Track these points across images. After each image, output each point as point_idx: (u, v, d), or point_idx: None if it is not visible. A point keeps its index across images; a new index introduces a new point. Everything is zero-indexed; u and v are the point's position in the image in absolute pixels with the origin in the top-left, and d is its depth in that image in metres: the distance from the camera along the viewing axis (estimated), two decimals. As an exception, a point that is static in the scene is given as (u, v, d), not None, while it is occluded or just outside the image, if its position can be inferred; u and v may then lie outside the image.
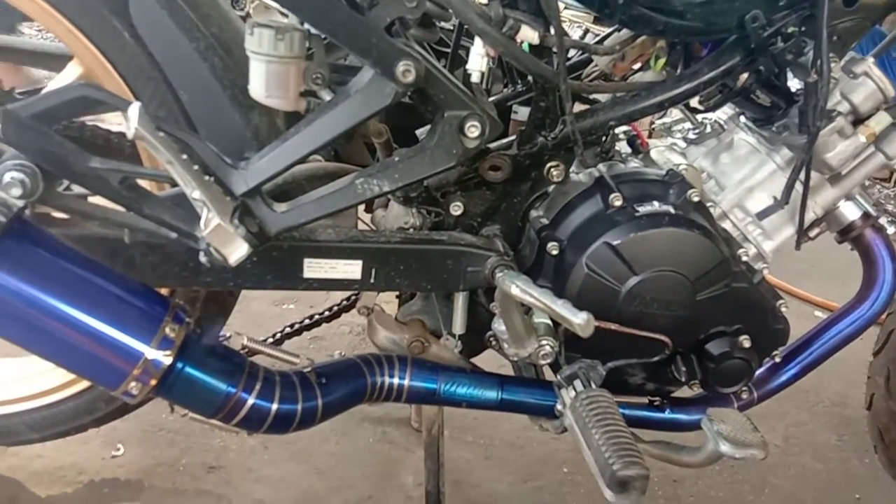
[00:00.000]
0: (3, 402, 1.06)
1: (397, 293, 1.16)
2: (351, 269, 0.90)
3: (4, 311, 0.67)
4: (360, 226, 0.99)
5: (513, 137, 0.94)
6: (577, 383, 0.89)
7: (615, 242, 0.89)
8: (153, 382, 0.73)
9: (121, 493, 1.17)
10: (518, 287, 0.75)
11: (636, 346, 0.93)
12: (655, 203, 0.92)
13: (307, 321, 1.32)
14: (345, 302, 1.32)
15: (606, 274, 0.89)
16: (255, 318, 1.64)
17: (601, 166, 0.98)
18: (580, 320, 0.70)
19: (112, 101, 0.72)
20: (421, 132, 1.04)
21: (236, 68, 0.85)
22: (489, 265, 0.90)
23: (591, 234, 0.91)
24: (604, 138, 0.97)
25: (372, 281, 0.91)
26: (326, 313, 1.32)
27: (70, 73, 0.91)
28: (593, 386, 0.89)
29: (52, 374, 1.06)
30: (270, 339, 1.30)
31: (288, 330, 1.32)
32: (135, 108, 0.68)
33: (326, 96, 0.81)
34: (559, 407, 0.92)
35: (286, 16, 0.76)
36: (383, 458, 1.33)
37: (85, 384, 1.04)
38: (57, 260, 0.70)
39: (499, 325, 0.90)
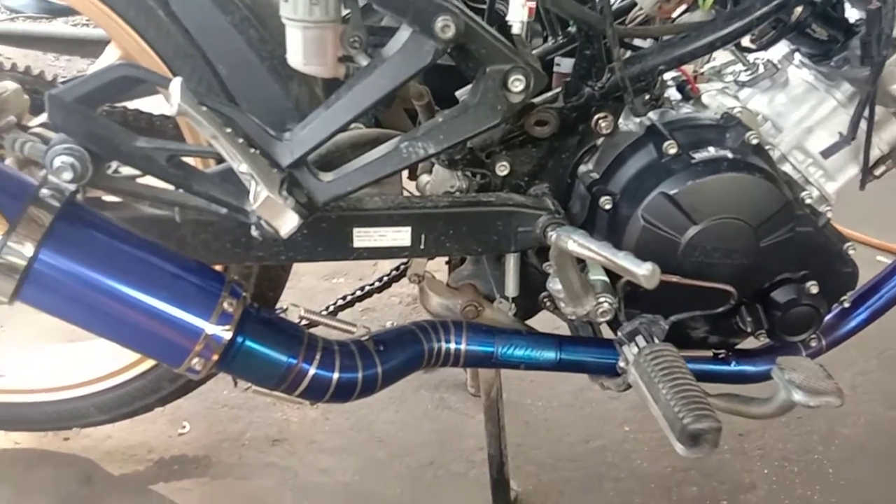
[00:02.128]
0: (72, 386, 1.09)
1: (447, 259, 1.15)
2: (400, 236, 0.89)
3: (67, 295, 0.68)
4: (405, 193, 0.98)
5: (557, 90, 0.91)
6: (640, 339, 0.87)
7: (672, 192, 0.85)
8: (215, 357, 0.74)
9: (189, 470, 1.20)
10: (576, 242, 0.73)
11: (698, 298, 0.91)
12: (712, 149, 0.88)
13: (358, 293, 1.32)
14: (394, 272, 1.31)
15: (664, 225, 0.86)
16: (306, 293, 1.65)
17: (652, 114, 0.94)
18: (645, 271, 0.67)
19: (153, 79, 0.72)
20: (461, 93, 1.01)
21: (272, 39, 0.84)
22: (540, 224, 0.88)
23: (645, 186, 0.88)
24: (653, 85, 0.93)
25: (422, 247, 0.90)
26: (377, 284, 1.32)
27: (108, 57, 0.91)
28: (656, 341, 0.87)
29: (116, 357, 1.09)
30: (324, 312, 1.30)
31: (340, 302, 1.32)
32: (176, 84, 0.68)
33: (364, 61, 0.80)
34: (621, 364, 0.90)
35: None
36: (442, 424, 1.34)
37: (149, 365, 1.07)
38: (112, 241, 0.70)
39: (554, 285, 0.88)
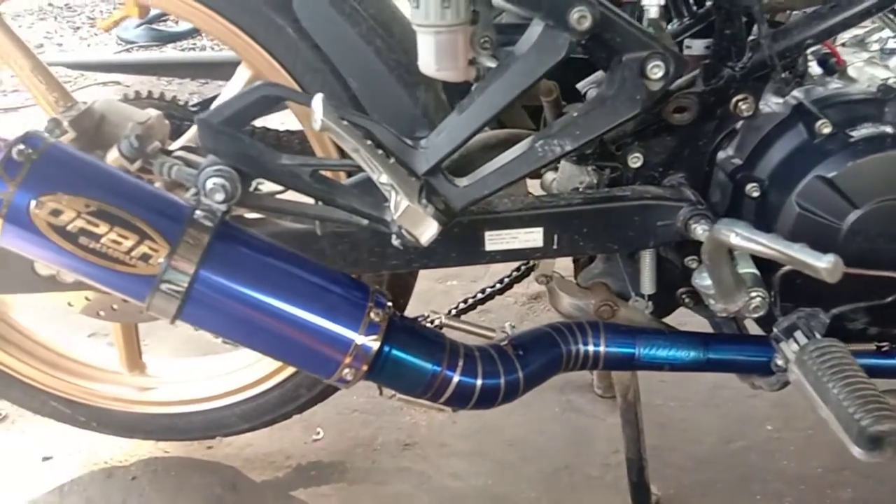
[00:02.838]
0: (216, 397, 1.13)
1: (574, 258, 1.12)
2: (532, 237, 0.87)
3: (224, 312, 0.70)
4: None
5: (692, 74, 0.86)
6: (799, 335, 0.81)
7: (830, 175, 0.79)
8: (365, 367, 0.74)
9: (326, 475, 1.23)
10: (739, 235, 0.68)
11: (861, 288, 0.84)
12: (870, 125, 0.81)
13: (480, 295, 1.31)
14: (515, 273, 1.29)
15: (822, 211, 0.80)
16: (421, 297, 1.64)
17: (796, 92, 0.88)
18: (826, 264, 0.62)
19: (293, 97, 0.73)
20: (583, 85, 0.98)
21: (398, 47, 0.84)
22: (681, 217, 0.84)
23: (797, 169, 0.82)
24: (797, 61, 0.87)
25: (555, 247, 0.88)
26: (498, 286, 1.30)
27: (240, 78, 0.94)
28: (817, 336, 0.81)
29: (256, 367, 1.13)
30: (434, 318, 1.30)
31: (462, 305, 1.31)
32: (318, 100, 0.68)
33: (488, 62, 0.78)
34: (779, 362, 0.84)
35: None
36: (572, 427, 1.31)
37: (287, 374, 1.09)
38: (264, 257, 0.72)
39: (702, 280, 0.83)
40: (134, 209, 0.66)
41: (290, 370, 1.09)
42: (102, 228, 0.65)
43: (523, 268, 1.27)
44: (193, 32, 3.19)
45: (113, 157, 0.82)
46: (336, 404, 1.33)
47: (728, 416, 1.33)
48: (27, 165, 0.64)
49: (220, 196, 0.70)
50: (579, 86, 0.98)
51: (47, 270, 0.88)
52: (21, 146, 0.64)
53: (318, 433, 1.30)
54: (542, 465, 1.23)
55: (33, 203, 0.64)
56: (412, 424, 1.32)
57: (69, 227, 0.64)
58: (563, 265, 1.03)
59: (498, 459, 1.24)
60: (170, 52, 2.59)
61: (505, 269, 1.69)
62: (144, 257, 0.66)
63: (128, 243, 0.65)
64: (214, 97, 1.20)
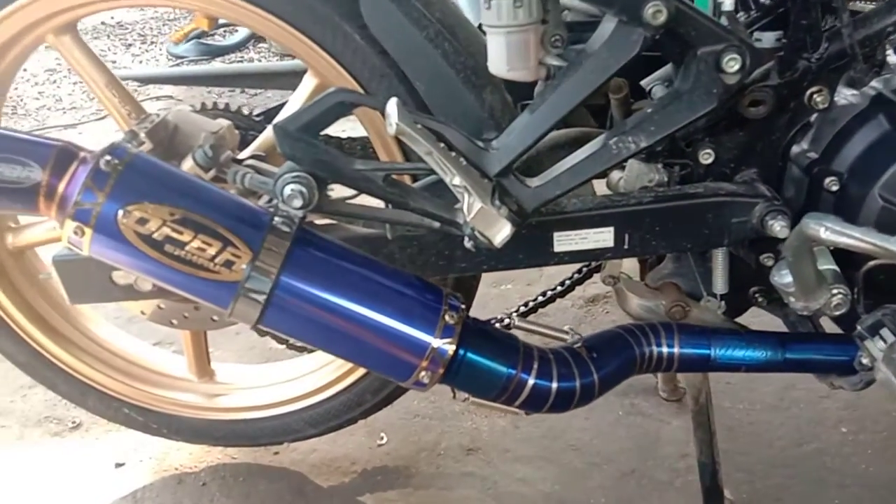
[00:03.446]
0: (283, 402, 1.14)
1: (640, 259, 1.10)
2: (602, 237, 0.86)
3: (304, 317, 0.71)
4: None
5: (765, 67, 0.84)
6: (886, 332, 0.78)
7: (916, 165, 0.76)
8: (441, 371, 0.74)
9: (392, 480, 1.23)
10: (830, 229, 0.66)
11: (951, 283, 0.80)
12: (957, 113, 0.78)
13: (540, 298, 1.30)
14: (576, 275, 1.28)
15: (909, 203, 0.77)
16: (478, 300, 1.65)
17: (874, 83, 0.85)
18: (931, 256, 0.60)
19: (367, 102, 0.74)
20: (648, 82, 0.97)
21: (464, 50, 0.84)
22: (757, 213, 0.82)
23: (879, 162, 0.79)
24: (876, 50, 0.84)
25: (625, 247, 0.86)
26: (559, 288, 1.29)
27: (306, 86, 0.95)
28: (906, 333, 0.78)
29: (322, 372, 1.14)
30: (506, 320, 1.29)
31: (523, 308, 1.30)
32: (393, 104, 0.69)
33: (554, 61, 0.78)
34: (863, 360, 0.81)
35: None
36: (637, 431, 1.28)
37: (353, 379, 1.10)
38: (341, 262, 0.72)
39: (781, 278, 0.81)
40: (217, 217, 0.67)
41: (356, 375, 1.10)
42: (187, 236, 0.66)
43: (585, 269, 1.26)
44: (240, 46, 3.26)
45: (188, 165, 0.84)
46: (398, 409, 1.34)
47: (799, 418, 1.29)
48: (114, 176, 0.66)
49: (298, 202, 0.71)
50: (644, 82, 0.96)
51: (125, 280, 0.90)
52: (108, 157, 0.66)
53: (382, 438, 1.30)
54: (610, 470, 1.21)
55: (121, 212, 0.65)
56: (474, 430, 1.31)
57: (155, 235, 0.66)
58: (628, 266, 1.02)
59: (563, 464, 1.23)
60: (233, 65, 2.70)
61: (559, 271, 1.69)
62: (228, 264, 0.67)
63: (212, 250, 0.66)
64: (275, 107, 1.22)
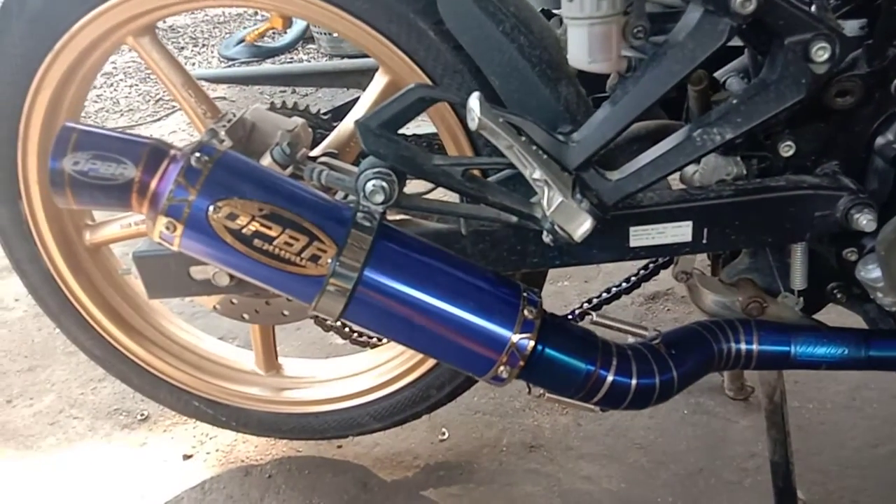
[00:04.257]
0: (350, 396, 1.16)
1: (713, 255, 1.08)
2: (680, 231, 0.84)
3: (386, 311, 0.71)
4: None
5: (851, 55, 0.82)
6: (981, 328, 0.75)
7: None
8: (520, 366, 0.74)
9: (455, 475, 1.23)
10: (934, 222, 0.64)
11: None
12: None
13: (605, 295, 1.29)
14: (642, 271, 1.26)
15: None
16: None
17: (968, 70, 0.82)
18: None
19: (448, 97, 0.74)
20: (722, 73, 0.95)
21: (539, 43, 0.83)
22: (842, 206, 0.80)
23: (973, 152, 0.76)
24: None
25: (704, 241, 0.85)
26: (625, 284, 1.27)
27: (378, 83, 0.95)
28: None
29: (387, 367, 1.15)
30: (570, 316, 1.28)
31: (586, 306, 1.29)
32: (475, 99, 0.69)
33: (636, 53, 0.77)
34: (955, 358, 0.79)
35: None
36: (703, 430, 1.26)
37: (418, 374, 1.11)
38: (422, 257, 0.73)
39: (868, 273, 0.79)
40: (303, 212, 0.68)
41: (422, 370, 1.10)
42: (275, 231, 0.67)
43: (652, 266, 1.24)
44: (289, 48, 3.30)
45: (266, 162, 0.85)
46: (458, 405, 1.34)
47: (873, 418, 1.25)
48: (205, 172, 0.67)
49: (379, 197, 0.71)
50: (717, 74, 0.95)
51: (202, 275, 0.92)
52: (198, 154, 0.67)
53: (444, 434, 1.31)
54: (676, 469, 1.19)
55: (211, 208, 0.67)
56: (536, 427, 1.31)
57: (244, 230, 0.67)
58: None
59: (629, 463, 1.21)
60: (301, 64, 2.80)
61: (617, 268, 1.67)
62: (314, 258, 0.68)
63: (299, 245, 0.67)
64: (342, 105, 1.23)
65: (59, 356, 1.60)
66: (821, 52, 0.71)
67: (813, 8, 0.74)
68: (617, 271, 1.64)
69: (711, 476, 1.17)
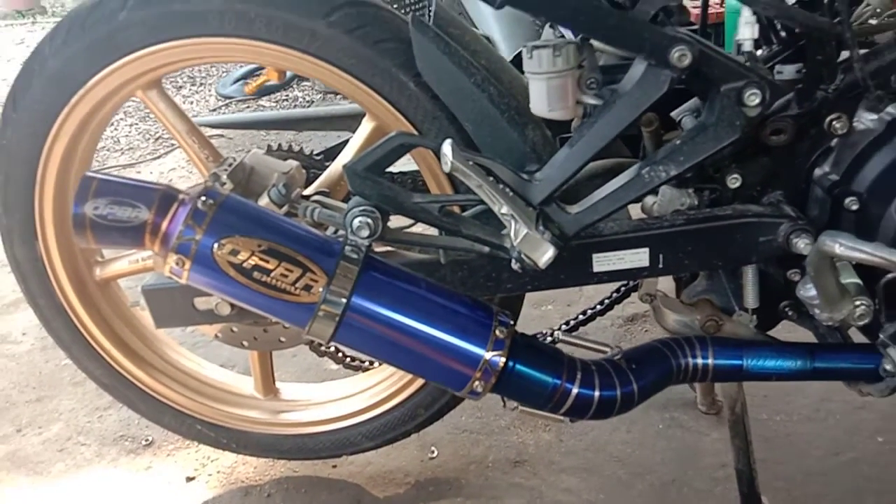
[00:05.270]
0: (343, 417, 1.23)
1: (676, 277, 1.17)
2: (638, 257, 0.93)
3: (372, 334, 0.80)
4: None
5: (786, 97, 0.91)
6: (907, 340, 0.84)
7: (929, 185, 0.83)
8: (493, 381, 0.82)
9: (443, 491, 1.30)
10: (844, 245, 0.73)
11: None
12: (967, 135, 0.84)
13: (581, 317, 1.37)
14: (615, 294, 1.35)
15: (924, 220, 0.83)
16: (520, 321, 1.72)
17: (891, 108, 0.91)
18: (931, 267, 0.66)
19: (425, 143, 0.83)
20: (677, 113, 1.05)
21: (507, 92, 0.93)
22: (782, 232, 0.89)
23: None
24: (890, 79, 0.91)
25: (660, 266, 0.94)
26: (599, 307, 1.36)
27: (365, 128, 1.05)
28: (926, 341, 0.84)
29: (378, 388, 1.22)
30: (549, 339, 1.37)
31: (564, 327, 1.38)
32: (448, 145, 0.78)
33: (594, 100, 0.86)
34: (887, 367, 0.87)
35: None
36: (677, 443, 1.34)
37: (407, 394, 1.18)
38: (404, 284, 0.81)
39: (806, 291, 0.88)
40: (297, 247, 0.77)
41: (410, 391, 1.18)
42: (272, 264, 0.76)
43: (623, 289, 1.33)
44: (285, 85, 3.42)
45: (263, 202, 0.94)
46: (447, 425, 1.42)
47: (835, 428, 1.33)
48: (210, 214, 0.76)
49: (365, 232, 0.80)
50: (674, 114, 1.04)
51: (205, 305, 1.00)
52: (204, 198, 0.76)
53: (433, 452, 1.38)
54: (651, 480, 1.27)
55: (216, 245, 0.76)
56: (520, 444, 1.38)
57: (245, 264, 0.76)
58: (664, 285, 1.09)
59: (607, 475, 1.29)
60: (296, 109, 2.98)
61: (598, 292, 1.75)
62: (307, 287, 0.76)
63: (293, 276, 0.76)
64: (334, 147, 1.33)
65: (65, 386, 1.67)
66: (752, 98, 0.81)
67: (745, 59, 0.84)
68: (598, 295, 1.73)
69: (684, 486, 1.25)
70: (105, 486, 1.39)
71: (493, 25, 2.11)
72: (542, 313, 1.77)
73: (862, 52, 0.85)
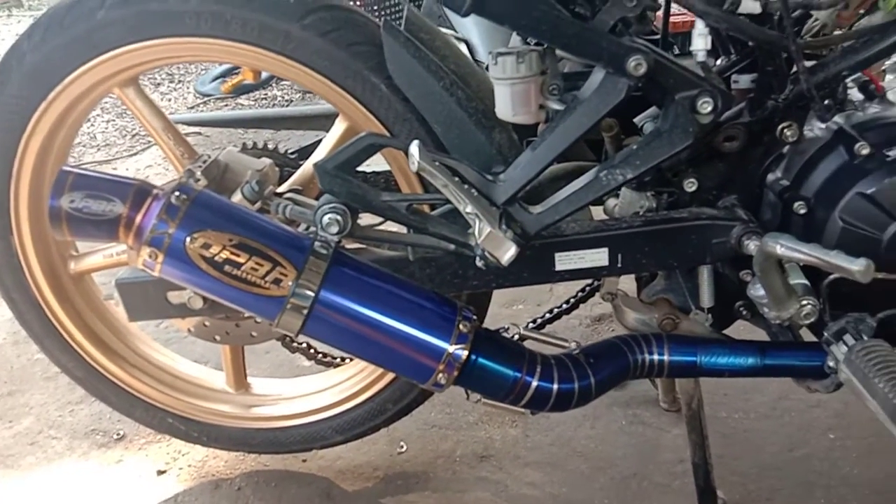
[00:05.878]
0: (313, 412, 1.26)
1: (636, 276, 1.21)
2: (598, 257, 0.97)
3: (339, 327, 0.83)
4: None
5: (740, 106, 0.96)
6: (848, 337, 0.89)
7: (869, 191, 0.88)
8: (456, 373, 0.85)
9: (412, 485, 1.33)
10: (784, 246, 0.78)
11: (906, 294, 0.91)
12: (906, 145, 0.90)
13: (548, 315, 1.41)
14: (580, 293, 1.39)
15: (864, 224, 0.88)
16: (490, 320, 1.75)
17: (838, 118, 0.96)
18: (859, 266, 0.71)
19: (394, 144, 0.86)
20: (640, 119, 1.09)
21: (475, 96, 0.96)
22: (734, 234, 0.93)
23: (840, 188, 0.90)
24: (837, 90, 0.96)
25: (619, 266, 0.98)
26: (565, 306, 1.40)
27: (338, 128, 1.08)
28: (865, 338, 0.88)
29: (347, 384, 1.25)
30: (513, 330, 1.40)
31: (531, 325, 1.42)
32: (415, 147, 0.81)
33: (556, 105, 0.90)
34: (830, 364, 0.92)
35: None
36: (639, 439, 1.38)
37: (376, 389, 1.21)
38: (370, 279, 0.84)
39: (755, 291, 0.92)
40: (267, 242, 0.80)
41: (379, 386, 1.21)
42: (243, 258, 0.79)
43: (588, 289, 1.37)
44: (262, 86, 3.43)
45: (237, 199, 0.97)
46: (416, 420, 1.45)
47: (790, 425, 1.38)
48: (183, 209, 0.78)
49: (334, 229, 0.83)
50: (636, 120, 1.09)
51: (178, 299, 1.02)
52: (177, 193, 0.79)
53: (402, 447, 1.41)
54: (613, 474, 1.31)
55: (188, 239, 0.78)
56: (487, 439, 1.42)
57: (216, 258, 0.78)
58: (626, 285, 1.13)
59: (570, 469, 1.33)
60: (272, 109, 3.02)
61: (568, 292, 1.80)
62: (276, 281, 0.79)
63: (263, 270, 0.79)
64: (308, 146, 1.35)
65: (37, 381, 1.68)
66: (705, 106, 0.85)
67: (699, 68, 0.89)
68: (568, 295, 1.77)
69: (644, 479, 1.29)
70: (76, 479, 1.40)
71: (471, 29, 2.15)
72: (512, 312, 1.81)
73: (809, 64, 0.89)
